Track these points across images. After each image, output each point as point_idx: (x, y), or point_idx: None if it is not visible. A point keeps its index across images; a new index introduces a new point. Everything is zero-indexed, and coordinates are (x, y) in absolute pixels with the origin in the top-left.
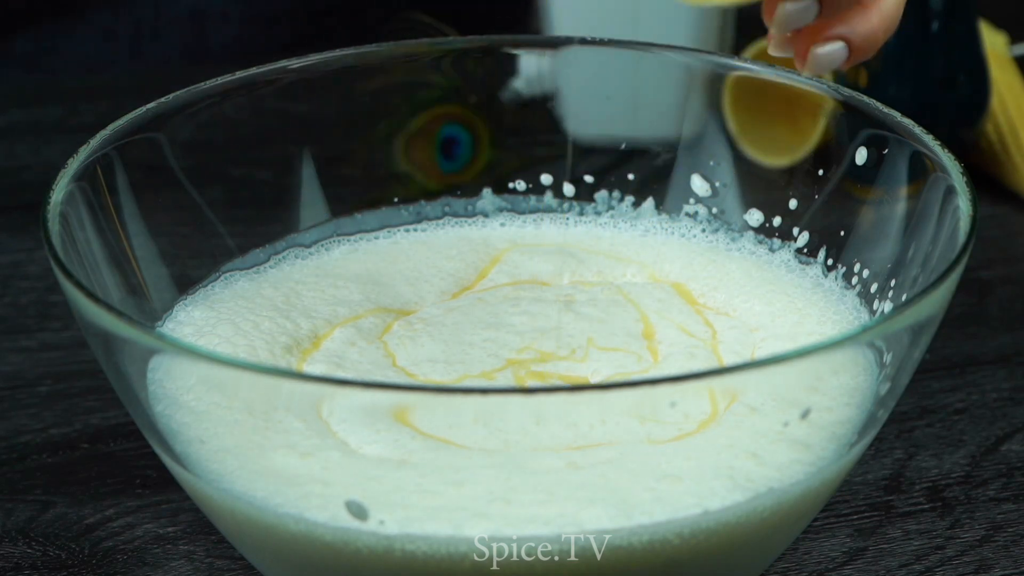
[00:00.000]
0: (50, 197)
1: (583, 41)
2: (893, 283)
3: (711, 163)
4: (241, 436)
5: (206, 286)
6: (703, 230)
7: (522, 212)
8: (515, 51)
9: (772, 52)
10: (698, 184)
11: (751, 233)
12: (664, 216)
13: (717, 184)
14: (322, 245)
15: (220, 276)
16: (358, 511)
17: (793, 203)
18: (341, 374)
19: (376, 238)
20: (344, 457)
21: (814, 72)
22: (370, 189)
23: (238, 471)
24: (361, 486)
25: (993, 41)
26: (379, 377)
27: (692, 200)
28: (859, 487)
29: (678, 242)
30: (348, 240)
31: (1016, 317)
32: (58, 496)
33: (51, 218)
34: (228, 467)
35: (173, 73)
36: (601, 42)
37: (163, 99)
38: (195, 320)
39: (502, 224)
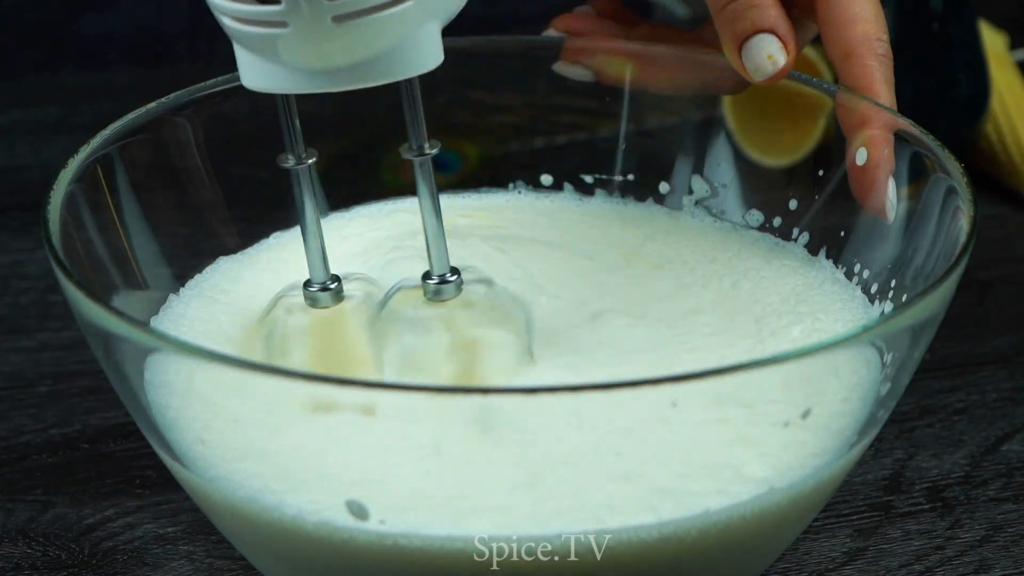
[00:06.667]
0: (50, 197)
1: None
2: (893, 283)
3: (711, 163)
4: (241, 436)
5: (206, 285)
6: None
7: None
8: (513, 52)
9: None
10: (698, 184)
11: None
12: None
13: (717, 184)
14: None
15: (220, 275)
16: (358, 511)
17: (793, 203)
18: (341, 373)
19: None
20: (344, 457)
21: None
22: (370, 189)
23: (238, 471)
24: (361, 486)
25: (993, 41)
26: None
27: (692, 201)
28: (859, 487)
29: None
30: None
31: (1016, 317)
32: (58, 496)
33: (51, 218)
34: (228, 467)
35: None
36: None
37: (163, 99)
38: (195, 319)
39: None
